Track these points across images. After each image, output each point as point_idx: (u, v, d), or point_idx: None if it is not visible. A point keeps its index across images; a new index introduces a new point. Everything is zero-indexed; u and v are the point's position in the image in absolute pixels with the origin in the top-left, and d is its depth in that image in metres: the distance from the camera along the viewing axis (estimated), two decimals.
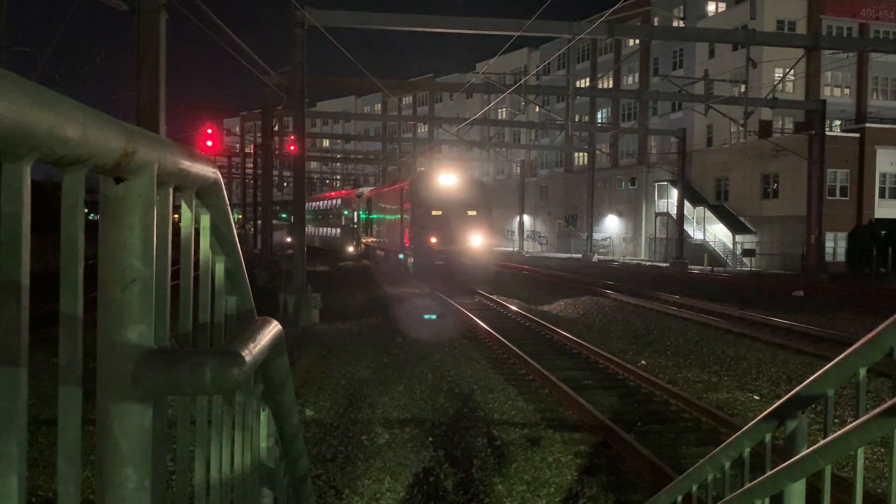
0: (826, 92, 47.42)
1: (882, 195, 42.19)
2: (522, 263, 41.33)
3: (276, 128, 36.23)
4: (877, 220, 38.09)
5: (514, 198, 61.78)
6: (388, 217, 32.59)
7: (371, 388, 10.69)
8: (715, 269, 40.91)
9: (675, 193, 44.70)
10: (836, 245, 40.01)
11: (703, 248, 45.25)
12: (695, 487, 3.60)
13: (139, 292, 0.92)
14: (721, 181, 48.55)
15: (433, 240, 26.46)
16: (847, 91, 49.80)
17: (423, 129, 78.42)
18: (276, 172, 46.70)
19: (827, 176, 35.71)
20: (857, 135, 41.85)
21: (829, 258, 36.75)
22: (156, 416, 0.94)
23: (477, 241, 26.81)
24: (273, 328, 1.48)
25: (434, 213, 26.80)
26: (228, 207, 1.40)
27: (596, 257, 49.86)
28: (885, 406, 1.84)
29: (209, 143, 26.46)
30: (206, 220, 1.34)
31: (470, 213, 27.10)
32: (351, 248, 43.35)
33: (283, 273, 24.58)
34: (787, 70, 29.64)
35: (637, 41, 54.66)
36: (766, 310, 20.12)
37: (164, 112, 11.42)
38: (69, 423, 0.81)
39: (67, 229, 0.79)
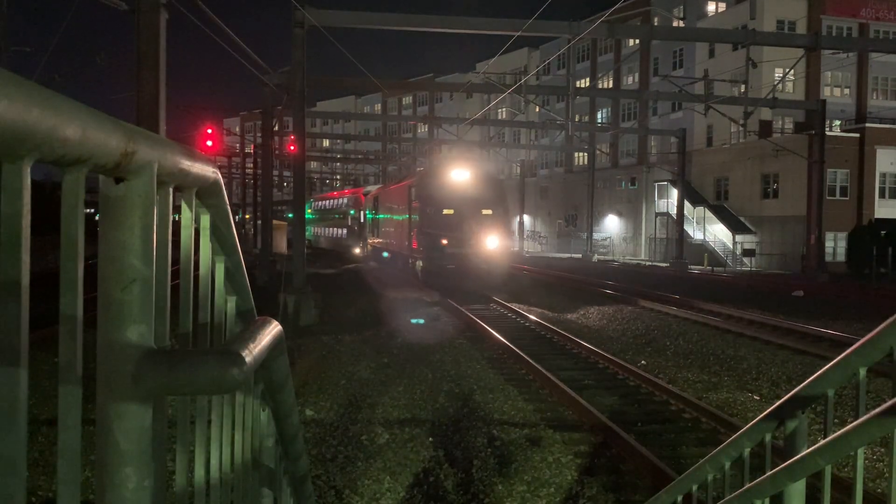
0: (826, 92, 47.42)
1: (882, 195, 42.19)
2: (523, 263, 41.32)
3: (276, 128, 36.23)
4: (877, 220, 38.04)
5: (513, 198, 61.78)
6: (395, 217, 30.26)
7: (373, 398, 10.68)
8: (715, 269, 40.91)
9: (675, 193, 44.71)
10: (836, 245, 40.01)
11: (703, 248, 45.25)
12: (695, 487, 3.60)
13: (139, 292, 0.92)
14: (721, 181, 48.55)
15: (443, 242, 23.98)
16: (847, 91, 49.79)
17: (423, 129, 78.41)
18: (276, 172, 46.68)
19: (827, 176, 35.71)
20: (857, 135, 41.85)
21: (829, 258, 36.75)
22: (156, 416, 0.94)
23: (492, 242, 24.29)
24: (273, 328, 1.48)
25: (445, 212, 24.37)
26: (228, 207, 1.40)
27: (596, 257, 49.86)
28: (885, 406, 1.84)
29: (209, 143, 26.44)
30: (206, 220, 1.34)
31: (484, 212, 24.59)
32: (357, 250, 41.77)
33: (282, 275, 24.51)
34: (787, 70, 29.64)
35: (637, 41, 54.67)
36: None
37: (164, 112, 11.42)
38: (69, 423, 0.81)
39: (67, 229, 0.79)
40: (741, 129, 37.96)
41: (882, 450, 7.56)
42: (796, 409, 2.68)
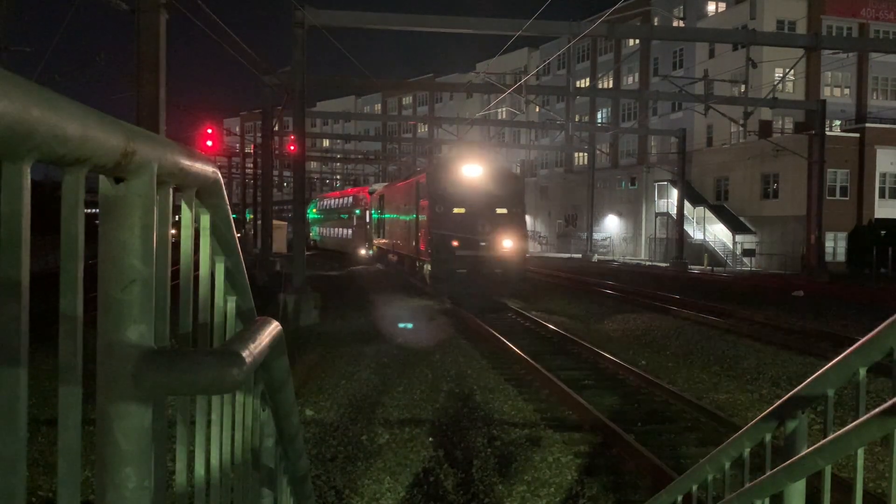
0: (826, 92, 47.42)
1: (882, 195, 42.20)
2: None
3: (276, 128, 36.23)
4: (877, 220, 38.09)
5: None
6: (402, 217, 28.09)
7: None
8: (715, 269, 40.91)
9: (675, 193, 44.71)
10: (836, 245, 40.02)
11: (703, 248, 45.26)
12: (695, 487, 3.60)
13: (139, 292, 0.92)
14: (721, 181, 48.56)
15: (454, 243, 21.81)
16: (847, 91, 49.80)
17: (423, 130, 78.44)
18: (276, 172, 46.68)
19: (827, 176, 35.71)
20: (857, 135, 41.86)
21: (829, 258, 36.76)
22: (156, 416, 0.94)
23: (508, 244, 22.22)
24: (273, 328, 1.48)
25: (455, 210, 22.21)
26: (228, 207, 1.40)
27: (596, 257, 49.86)
28: (885, 406, 1.84)
29: (209, 143, 26.49)
30: (206, 220, 1.34)
31: (499, 210, 22.52)
32: (363, 251, 40.08)
33: (282, 276, 24.38)
34: (787, 70, 29.65)
35: (637, 41, 54.67)
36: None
37: (164, 112, 11.43)
38: (69, 423, 0.81)
39: (67, 229, 0.79)
40: (741, 129, 37.96)
41: (881, 449, 7.55)
42: (796, 409, 2.67)
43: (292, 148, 26.15)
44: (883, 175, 42.15)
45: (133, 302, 0.92)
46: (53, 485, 6.21)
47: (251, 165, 48.61)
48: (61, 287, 0.80)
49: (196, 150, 1.20)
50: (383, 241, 33.23)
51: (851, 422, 2.00)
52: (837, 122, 47.25)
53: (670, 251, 45.38)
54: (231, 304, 1.61)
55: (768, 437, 2.86)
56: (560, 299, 23.27)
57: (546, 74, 64.06)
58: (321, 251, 50.79)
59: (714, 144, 51.45)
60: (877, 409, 1.87)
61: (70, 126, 0.71)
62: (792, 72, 29.98)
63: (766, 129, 46.10)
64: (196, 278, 1.28)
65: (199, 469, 1.36)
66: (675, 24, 48.47)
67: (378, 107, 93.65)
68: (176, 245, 1.06)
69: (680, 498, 3.82)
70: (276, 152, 41.39)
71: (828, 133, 34.80)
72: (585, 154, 57.06)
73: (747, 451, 3.04)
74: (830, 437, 2.09)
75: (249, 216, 50.05)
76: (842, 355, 2.31)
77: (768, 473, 2.59)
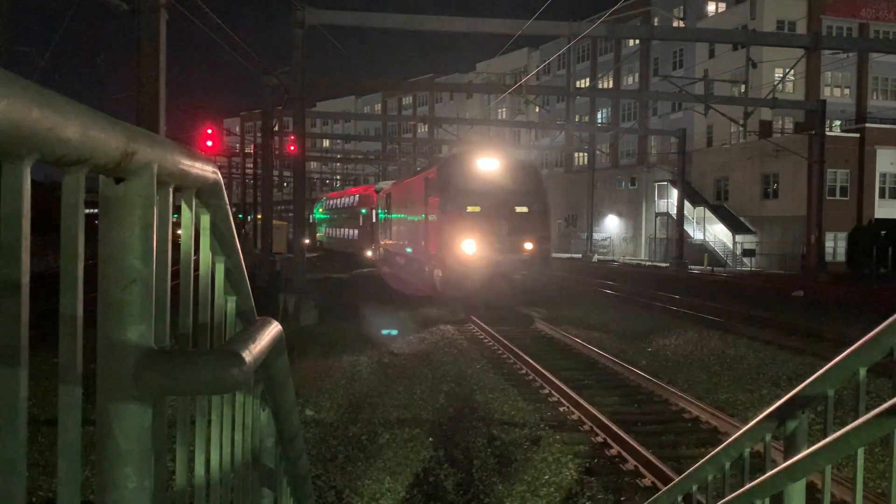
0: (826, 92, 47.43)
1: (882, 195, 42.21)
2: None
3: (276, 128, 36.22)
4: (877, 220, 38.09)
5: None
6: (410, 217, 25.66)
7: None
8: (715, 269, 40.92)
9: (675, 193, 44.71)
10: (836, 245, 40.02)
11: (703, 248, 45.26)
12: (695, 487, 3.60)
13: (139, 292, 0.92)
14: (721, 181, 48.56)
15: (468, 247, 19.47)
16: (847, 91, 49.81)
17: (423, 130, 78.47)
18: (276, 172, 46.64)
19: (827, 176, 35.72)
20: (857, 135, 41.87)
21: (829, 258, 36.76)
22: (156, 416, 0.94)
23: (530, 247, 19.96)
24: (273, 328, 1.48)
25: (469, 209, 19.90)
26: (228, 207, 1.41)
27: (596, 257, 49.85)
28: (885, 406, 1.84)
29: (209, 143, 26.48)
30: (206, 220, 1.34)
31: (519, 209, 20.22)
32: (369, 253, 38.17)
33: (281, 277, 24.26)
34: (787, 70, 29.64)
35: (637, 41, 54.67)
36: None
37: (164, 112, 11.43)
38: (69, 423, 0.81)
39: (67, 229, 0.79)
40: (741, 129, 37.96)
41: (880, 449, 7.56)
42: (796, 409, 2.67)
43: (292, 148, 26.13)
44: (883, 175, 42.16)
45: (133, 302, 0.92)
46: (53, 485, 6.21)
47: (251, 165, 48.59)
48: (61, 287, 0.80)
49: (196, 150, 1.20)
50: (390, 242, 31.17)
51: (851, 422, 2.00)
52: (837, 122, 47.25)
53: (670, 251, 45.39)
54: (231, 304, 1.61)
55: (768, 437, 2.86)
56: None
57: (546, 74, 64.08)
58: (327, 252, 49.41)
59: (714, 144, 51.45)
60: (877, 409, 1.87)
61: (70, 126, 0.71)
62: (792, 72, 29.98)
63: (766, 129, 46.11)
64: (196, 278, 1.28)
65: (199, 469, 1.36)
66: (675, 24, 48.48)
67: (378, 107, 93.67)
68: (176, 245, 1.06)
69: (680, 498, 3.82)
70: (276, 152, 41.37)
71: (828, 133, 34.81)
72: (585, 154, 57.07)
73: (747, 451, 3.04)
74: (830, 437, 2.09)
75: (246, 216, 49.73)
76: (842, 355, 2.31)
77: (768, 473, 2.59)
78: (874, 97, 50.07)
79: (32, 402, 8.41)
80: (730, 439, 3.15)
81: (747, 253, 41.98)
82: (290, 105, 22.45)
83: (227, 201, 1.40)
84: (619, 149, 60.66)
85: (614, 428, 8.20)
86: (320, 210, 58.45)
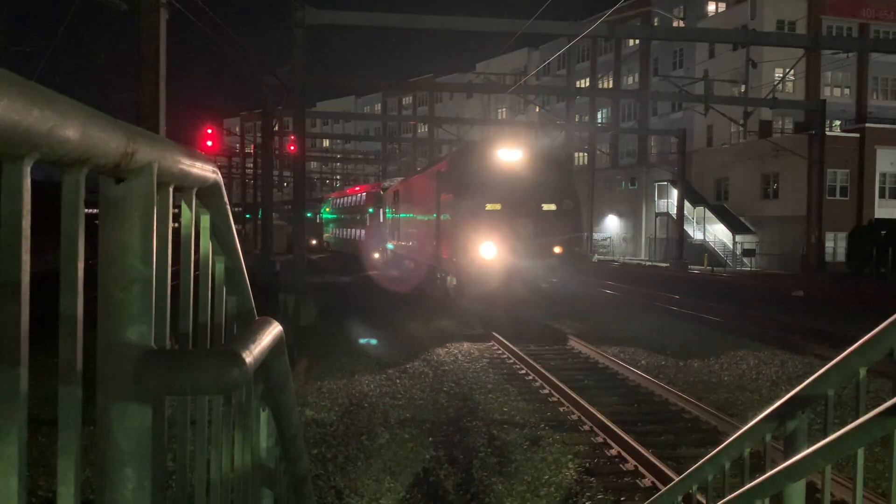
0: (826, 92, 47.43)
1: (882, 195, 42.21)
2: None
3: (276, 128, 36.24)
4: (877, 220, 38.08)
5: None
6: (419, 216, 23.21)
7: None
8: (715, 269, 40.93)
9: (675, 193, 44.71)
10: (836, 245, 40.02)
11: (703, 248, 45.26)
12: (695, 487, 3.60)
13: (139, 292, 0.92)
14: (721, 181, 48.57)
15: (487, 250, 17.04)
16: (847, 91, 49.81)
17: (423, 130, 78.47)
18: (276, 172, 46.63)
19: (827, 176, 35.73)
20: (857, 135, 41.87)
21: (829, 258, 36.77)
22: (156, 416, 0.94)
23: (558, 250, 17.48)
24: (273, 328, 1.48)
25: (488, 207, 17.54)
26: (228, 207, 1.41)
27: (596, 257, 49.85)
28: (885, 406, 1.84)
29: (209, 143, 26.49)
30: (206, 220, 1.34)
31: (545, 207, 17.82)
32: (377, 255, 35.95)
33: (281, 277, 24.15)
34: (787, 70, 29.65)
35: (637, 41, 54.68)
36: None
37: (164, 112, 11.43)
38: (69, 423, 0.81)
39: (67, 229, 0.79)
40: (741, 129, 37.99)
41: (880, 449, 7.56)
42: (796, 409, 2.68)
43: (292, 148, 26.13)
44: (883, 175, 42.17)
45: (133, 302, 0.92)
46: (53, 485, 6.20)
47: (251, 165, 48.59)
48: (61, 287, 0.80)
49: (196, 150, 1.20)
50: (399, 244, 28.73)
51: (851, 422, 2.00)
52: (837, 122, 47.25)
53: (670, 251, 45.38)
54: (231, 304, 1.61)
55: (768, 437, 2.86)
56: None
57: (546, 74, 64.05)
58: (334, 254, 47.55)
59: (714, 144, 51.46)
60: (877, 409, 1.87)
61: (70, 126, 0.71)
62: (792, 72, 29.99)
63: (766, 129, 46.12)
64: (196, 278, 1.28)
65: (199, 469, 1.36)
66: (675, 24, 48.48)
67: (378, 107, 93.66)
68: (176, 245, 1.06)
69: (680, 498, 3.82)
70: (276, 152, 41.37)
71: (828, 133, 34.82)
72: (585, 154, 57.06)
73: (747, 451, 3.04)
74: (830, 437, 2.09)
75: (255, 215, 48.76)
76: (842, 355, 2.31)
77: (768, 473, 2.59)
78: (874, 97, 50.07)
79: (32, 402, 8.39)
80: (730, 439, 3.15)
81: (747, 253, 41.99)
82: (290, 105, 22.46)
83: (228, 201, 1.40)
84: (619, 149, 60.66)
85: None
86: (327, 210, 56.31)
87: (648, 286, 27.33)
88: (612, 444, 8.01)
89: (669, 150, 51.08)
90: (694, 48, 52.70)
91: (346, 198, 49.66)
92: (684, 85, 35.57)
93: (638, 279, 31.01)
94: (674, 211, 44.95)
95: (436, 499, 6.74)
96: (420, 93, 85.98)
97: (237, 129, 51.49)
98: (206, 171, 1.21)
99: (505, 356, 13.57)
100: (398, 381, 11.27)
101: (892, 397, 1.86)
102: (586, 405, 9.33)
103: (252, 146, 47.48)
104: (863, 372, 2.24)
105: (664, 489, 4.07)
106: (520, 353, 13.20)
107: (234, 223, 1.47)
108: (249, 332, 1.31)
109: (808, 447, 2.32)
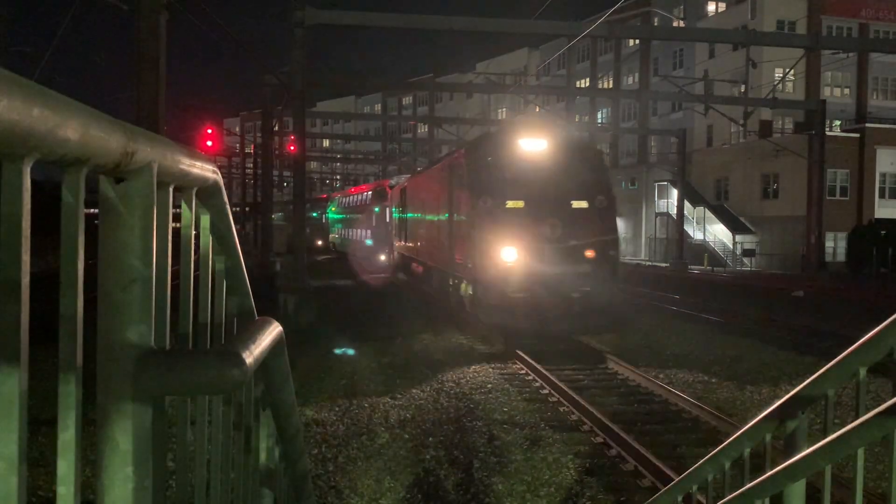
0: (826, 92, 47.44)
1: (882, 195, 42.22)
2: None
3: (276, 128, 36.23)
4: (877, 220, 38.10)
5: None
6: (430, 216, 21.03)
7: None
8: (715, 269, 40.94)
9: (675, 193, 44.71)
10: (836, 245, 40.03)
11: (703, 248, 45.27)
12: (695, 487, 3.60)
13: (139, 292, 0.92)
14: (721, 181, 48.58)
15: (508, 254, 14.91)
16: (847, 91, 49.82)
17: (423, 130, 78.49)
18: (276, 172, 46.59)
19: (827, 176, 35.73)
20: (857, 135, 41.88)
21: (829, 258, 36.77)
22: (156, 416, 0.94)
23: (592, 255, 15.32)
24: (273, 328, 1.48)
25: (510, 205, 15.41)
26: (228, 207, 1.41)
27: None
28: (885, 406, 1.84)
29: (209, 143, 26.50)
30: (206, 220, 1.34)
31: (576, 204, 15.68)
32: (383, 257, 34.30)
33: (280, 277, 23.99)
34: (787, 70, 29.65)
35: (637, 41, 54.69)
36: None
37: (164, 112, 11.43)
38: (69, 423, 0.81)
39: (67, 229, 0.79)
40: (741, 129, 37.98)
41: (880, 449, 7.56)
42: (796, 409, 2.67)
43: (292, 148, 26.13)
44: (883, 175, 42.17)
45: (133, 302, 0.92)
46: (53, 485, 6.20)
47: (251, 165, 48.58)
48: (61, 287, 0.80)
49: (196, 150, 1.20)
50: (406, 246, 26.34)
51: (851, 422, 2.00)
52: (837, 122, 47.26)
53: (670, 251, 45.38)
54: (231, 304, 1.61)
55: (768, 437, 2.86)
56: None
57: (546, 74, 64.07)
58: (340, 255, 45.59)
59: (714, 144, 51.46)
60: (877, 409, 1.87)
61: (70, 126, 0.71)
62: (792, 72, 30.00)
63: (766, 129, 46.12)
64: (196, 278, 1.28)
65: (199, 469, 1.36)
66: (675, 24, 48.49)
67: (378, 107, 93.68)
68: (176, 245, 1.06)
69: (680, 498, 3.82)
70: (276, 152, 41.35)
71: (828, 133, 34.82)
72: None
73: (747, 451, 3.04)
74: (830, 437, 2.09)
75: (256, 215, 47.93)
76: (842, 355, 2.31)
77: (768, 473, 2.59)
78: (874, 97, 50.07)
79: (32, 402, 8.39)
80: (730, 439, 3.15)
81: (747, 253, 42.00)
82: (290, 105, 22.46)
83: (227, 201, 1.40)
84: (619, 149, 60.66)
85: None
86: (332, 209, 54.01)
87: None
88: None
89: (669, 150, 51.09)
90: (694, 48, 52.70)
91: (350, 197, 47.71)
92: (684, 85, 35.58)
93: (647, 281, 30.51)
94: (674, 211, 44.95)
95: None
96: (420, 93, 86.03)
97: (237, 129, 51.47)
98: (206, 170, 1.21)
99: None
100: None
101: (892, 397, 1.86)
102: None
103: (252, 146, 47.48)
104: (863, 372, 2.24)
105: (664, 489, 4.06)
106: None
107: (234, 223, 1.47)
108: (249, 332, 1.31)
109: (808, 447, 2.32)
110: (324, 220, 56.01)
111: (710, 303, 22.05)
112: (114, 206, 0.91)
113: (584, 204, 15.67)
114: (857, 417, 2.02)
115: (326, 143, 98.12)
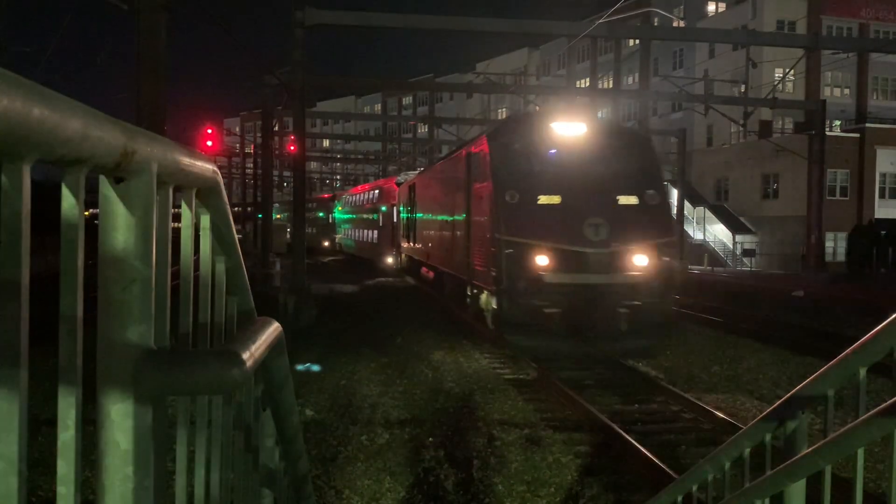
0: (826, 92, 47.43)
1: (882, 195, 42.22)
2: None
3: (276, 128, 36.23)
4: (877, 220, 38.09)
5: None
6: (442, 216, 18.40)
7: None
8: (715, 269, 40.94)
9: (675, 193, 44.73)
10: (836, 245, 40.03)
11: (703, 248, 45.28)
12: (695, 487, 3.60)
13: (139, 292, 0.92)
14: (721, 181, 48.58)
15: (539, 260, 12.36)
16: (847, 91, 49.81)
17: (423, 130, 78.48)
18: (276, 172, 46.58)
19: (827, 176, 35.72)
20: (857, 135, 41.89)
21: (829, 258, 36.76)
22: (156, 416, 0.94)
23: (642, 261, 12.62)
24: (273, 328, 1.49)
25: (542, 201, 12.82)
26: (228, 207, 1.41)
27: None
28: (885, 406, 1.84)
29: (209, 143, 26.50)
30: (206, 220, 1.34)
31: (622, 200, 13.07)
32: (389, 259, 32.32)
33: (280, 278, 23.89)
34: (787, 70, 29.64)
35: (637, 41, 54.69)
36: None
37: (164, 112, 11.43)
38: (69, 423, 0.81)
39: (67, 229, 0.79)
40: (741, 129, 37.97)
41: (879, 449, 7.55)
42: (796, 409, 2.67)
43: (292, 148, 26.13)
44: (883, 175, 42.17)
45: (133, 302, 0.92)
46: (53, 485, 6.20)
47: (251, 165, 48.56)
48: (61, 287, 0.80)
49: (196, 150, 1.20)
50: (415, 247, 23.65)
51: (851, 422, 2.00)
52: (837, 122, 47.27)
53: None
54: (231, 304, 1.61)
55: (768, 437, 2.86)
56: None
57: (546, 74, 64.08)
58: (347, 257, 44.08)
59: (714, 144, 51.46)
60: (877, 409, 1.87)
61: (70, 126, 0.71)
62: (792, 72, 29.98)
63: (766, 129, 46.11)
64: (196, 278, 1.28)
65: (199, 469, 1.36)
66: (675, 24, 48.48)
67: (378, 107, 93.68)
68: (176, 245, 1.06)
69: (680, 498, 3.82)
70: (277, 152, 41.34)
71: (828, 133, 34.79)
72: None
73: (747, 451, 3.04)
74: (830, 437, 2.09)
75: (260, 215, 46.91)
76: (842, 355, 2.31)
77: (768, 473, 2.59)
78: (874, 97, 50.07)
79: (32, 402, 8.37)
80: (730, 439, 3.15)
81: (747, 253, 41.99)
82: (290, 105, 22.45)
83: (227, 201, 1.40)
84: None
85: None
86: (339, 209, 51.82)
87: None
88: None
89: (669, 150, 51.07)
90: (694, 48, 52.70)
91: (356, 196, 45.07)
92: (684, 85, 35.59)
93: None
94: (674, 211, 44.95)
95: None
96: (420, 93, 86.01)
97: (237, 129, 51.43)
98: (205, 170, 1.21)
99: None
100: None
101: (892, 397, 1.86)
102: None
103: (252, 146, 47.48)
104: (863, 372, 2.24)
105: (664, 489, 4.06)
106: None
107: (234, 223, 1.47)
108: (249, 332, 1.31)
109: (808, 447, 2.32)
110: (330, 220, 55.04)
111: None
112: (114, 206, 0.91)
113: (632, 199, 13.12)
114: (857, 417, 2.02)
115: (326, 143, 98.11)
